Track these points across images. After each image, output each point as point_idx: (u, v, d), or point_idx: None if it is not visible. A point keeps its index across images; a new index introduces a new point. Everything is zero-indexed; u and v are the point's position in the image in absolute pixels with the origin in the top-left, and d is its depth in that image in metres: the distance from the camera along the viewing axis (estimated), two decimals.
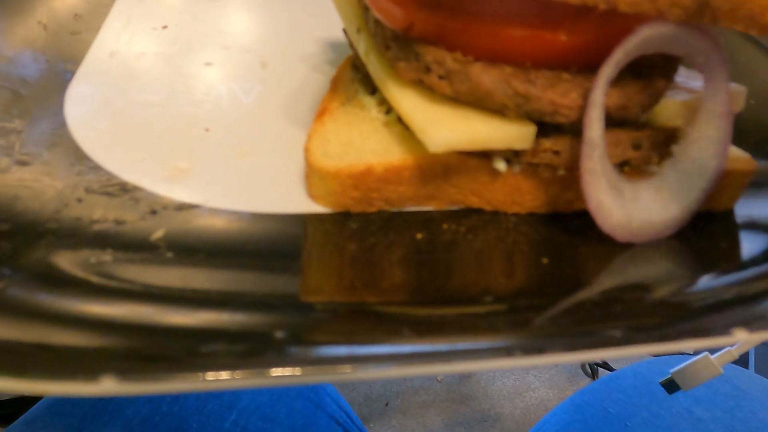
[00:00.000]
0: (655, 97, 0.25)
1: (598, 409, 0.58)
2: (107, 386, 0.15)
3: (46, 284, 0.19)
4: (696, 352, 0.45)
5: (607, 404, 0.58)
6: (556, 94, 0.23)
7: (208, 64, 0.37)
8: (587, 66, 0.25)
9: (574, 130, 0.25)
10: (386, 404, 1.17)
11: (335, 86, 0.31)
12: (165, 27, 0.40)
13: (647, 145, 0.25)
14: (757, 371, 1.19)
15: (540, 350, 0.19)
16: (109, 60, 0.35)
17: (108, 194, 0.25)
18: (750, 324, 0.19)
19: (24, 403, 0.77)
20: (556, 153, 0.25)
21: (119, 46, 0.37)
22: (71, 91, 0.32)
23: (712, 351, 0.49)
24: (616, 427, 0.56)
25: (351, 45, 0.32)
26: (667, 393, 0.52)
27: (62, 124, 0.29)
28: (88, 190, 0.25)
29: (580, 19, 0.24)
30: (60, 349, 0.16)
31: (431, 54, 0.24)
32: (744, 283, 0.23)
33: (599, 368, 1.19)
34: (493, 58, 0.24)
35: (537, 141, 0.25)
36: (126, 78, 0.34)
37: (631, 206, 0.25)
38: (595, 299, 0.22)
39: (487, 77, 0.23)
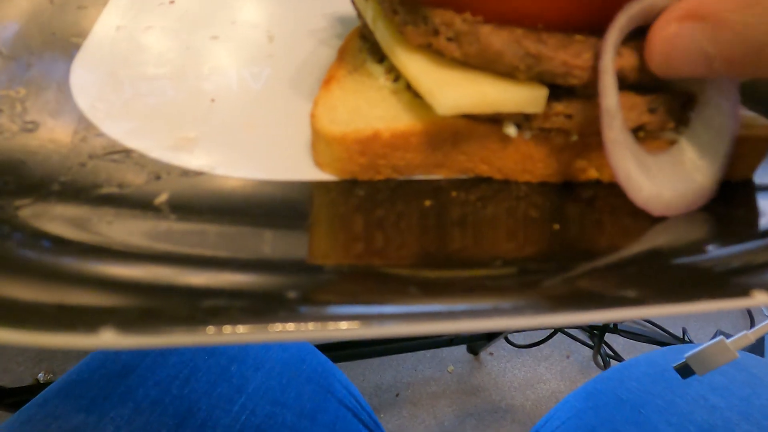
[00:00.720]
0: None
1: (611, 397, 0.57)
2: (106, 338, 0.15)
3: (47, 242, 0.18)
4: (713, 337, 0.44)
5: (620, 392, 0.58)
6: (568, 55, 0.22)
7: (214, 37, 0.36)
8: (601, 28, 0.24)
9: (587, 94, 0.24)
10: (396, 395, 1.17)
11: (342, 55, 0.30)
12: (172, 2, 0.40)
13: (663, 110, 0.25)
14: None
15: (550, 309, 0.18)
16: (115, 33, 0.35)
17: (112, 160, 0.25)
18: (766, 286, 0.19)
19: (35, 390, 0.77)
20: (569, 117, 0.24)
21: (126, 21, 0.37)
22: (77, 62, 0.32)
23: (727, 336, 0.48)
24: (630, 414, 0.55)
25: (359, 15, 0.32)
26: (681, 378, 0.51)
27: (67, 94, 0.29)
28: (91, 156, 0.25)
29: None
30: (61, 305, 0.16)
31: (439, 16, 0.24)
32: (763, 250, 0.22)
33: (611, 360, 1.18)
34: (502, 20, 0.24)
35: (549, 104, 0.24)
36: (132, 51, 0.34)
37: (658, 178, 0.24)
38: (609, 262, 0.21)
39: (497, 38, 0.23)
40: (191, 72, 0.33)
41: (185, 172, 0.25)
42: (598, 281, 0.20)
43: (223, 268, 0.19)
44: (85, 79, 0.31)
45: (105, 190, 0.22)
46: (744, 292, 0.18)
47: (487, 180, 0.27)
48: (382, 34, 0.28)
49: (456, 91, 0.23)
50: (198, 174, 0.25)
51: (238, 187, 0.25)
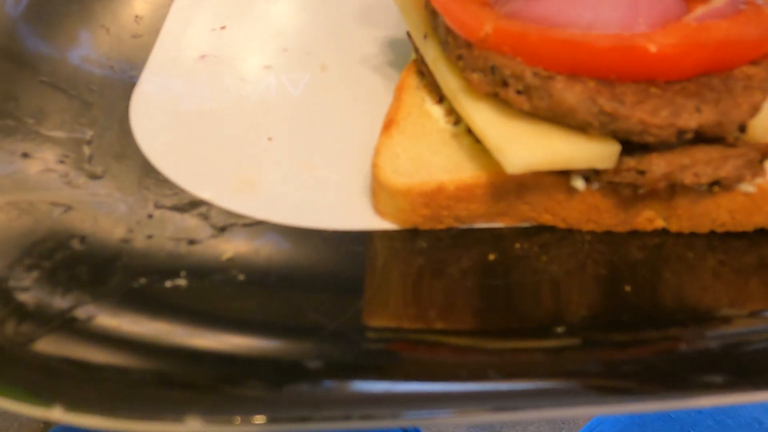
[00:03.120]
0: (752, 112, 0.23)
1: (660, 414, 0.56)
2: (193, 427, 0.15)
3: (125, 313, 0.19)
4: None
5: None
6: (645, 113, 0.22)
7: (267, 67, 0.36)
8: (677, 78, 0.23)
9: (662, 148, 0.23)
10: None
11: (400, 94, 0.30)
12: (223, 27, 0.40)
13: (741, 163, 0.24)
14: None
15: (627, 393, 0.18)
16: (170, 65, 0.35)
17: (178, 209, 0.25)
18: None
19: None
20: (641, 173, 0.23)
21: (180, 50, 0.37)
22: (135, 98, 0.32)
23: None
24: None
25: (415, 49, 0.31)
26: None
27: (129, 134, 0.29)
28: (157, 206, 0.25)
29: (670, 28, 0.23)
30: (145, 383, 0.16)
31: (509, 67, 0.23)
32: None
33: None
34: (574, 71, 0.23)
35: (621, 159, 0.23)
36: (188, 85, 0.34)
37: None
38: (687, 336, 0.21)
39: (571, 94, 0.22)
40: (247, 105, 0.33)
41: (248, 222, 0.25)
42: (678, 361, 0.19)
43: (292, 336, 0.19)
44: (145, 118, 0.31)
45: (173, 246, 0.23)
46: None
47: (550, 228, 0.26)
48: (444, 76, 0.27)
49: (525, 149, 0.23)
50: (259, 223, 0.25)
51: (300, 239, 0.25)
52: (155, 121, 0.31)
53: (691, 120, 0.22)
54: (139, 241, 0.23)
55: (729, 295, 0.25)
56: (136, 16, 0.39)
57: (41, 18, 0.35)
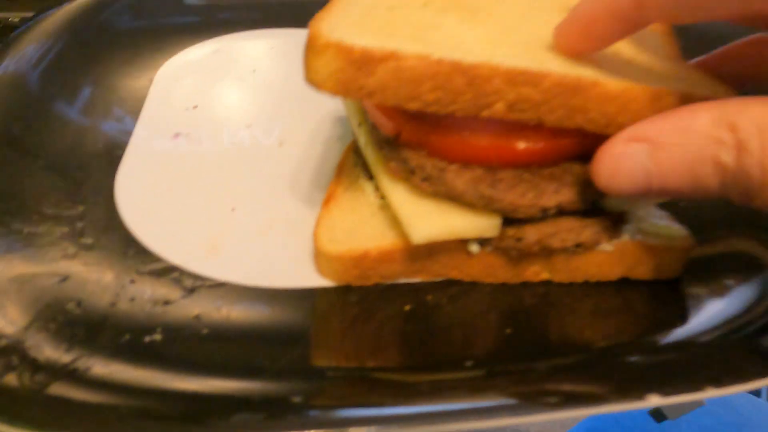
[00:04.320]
0: (602, 192, 0.30)
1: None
2: None
3: (114, 363, 0.25)
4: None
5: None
6: (515, 196, 0.28)
7: (233, 143, 0.43)
8: (545, 164, 0.30)
9: (535, 220, 0.30)
10: None
11: (340, 171, 0.36)
12: (195, 107, 0.46)
13: (597, 230, 0.31)
14: None
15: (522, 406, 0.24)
16: (149, 144, 0.41)
17: (155, 274, 0.31)
18: (663, 388, 0.24)
19: None
20: (519, 240, 0.30)
21: (157, 129, 0.43)
22: (120, 175, 0.38)
23: None
24: None
25: (354, 132, 0.38)
26: (656, 422, 0.56)
27: (114, 208, 0.35)
28: (138, 272, 0.31)
29: (535, 130, 0.30)
30: (131, 417, 0.22)
31: (415, 160, 0.30)
32: (664, 350, 0.28)
33: None
34: (466, 161, 0.30)
35: (503, 229, 0.30)
36: (164, 160, 0.40)
37: None
38: (570, 363, 0.27)
39: (460, 182, 0.29)
40: (215, 178, 0.39)
41: (212, 284, 0.31)
42: (561, 381, 0.26)
43: (247, 378, 0.25)
44: (127, 192, 0.37)
45: (152, 307, 0.29)
46: (639, 395, 0.24)
47: (458, 282, 0.33)
48: (371, 159, 0.34)
49: (427, 225, 0.29)
50: (222, 284, 0.31)
51: (256, 297, 0.31)
52: (136, 195, 0.37)
53: (551, 200, 0.29)
54: (124, 304, 0.28)
55: (603, 330, 0.32)
56: (119, 98, 0.46)
57: (35, 110, 0.41)
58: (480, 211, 0.30)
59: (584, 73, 0.27)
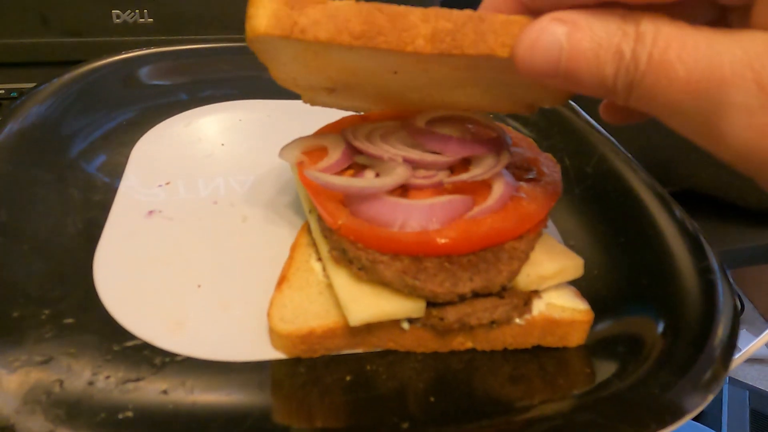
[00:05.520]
0: (510, 277, 0.35)
1: None
2: None
3: None
4: None
5: None
6: (435, 285, 0.34)
7: (200, 219, 0.48)
8: (462, 254, 0.36)
9: (455, 302, 0.35)
10: None
11: (293, 253, 0.42)
12: (168, 183, 0.51)
13: (508, 308, 0.36)
14: (729, 430, 1.26)
15: None
16: (124, 223, 0.46)
17: (128, 351, 0.36)
18: None
19: None
20: (441, 319, 0.35)
21: (132, 207, 0.48)
22: (98, 255, 0.43)
23: None
24: None
25: (306, 215, 0.43)
26: None
27: (92, 288, 0.40)
28: (114, 348, 0.36)
29: (453, 225, 0.35)
30: None
31: (352, 252, 0.35)
32: (570, 407, 0.34)
33: None
34: (395, 253, 0.35)
35: (428, 310, 0.35)
36: (140, 238, 0.45)
37: None
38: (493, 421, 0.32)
39: (388, 272, 0.34)
40: (184, 255, 0.44)
41: (177, 359, 0.35)
42: None
43: None
44: (104, 272, 0.41)
45: (125, 385, 0.33)
46: None
47: (394, 351, 0.38)
48: (319, 244, 0.39)
49: (362, 308, 0.34)
50: (186, 359, 0.36)
51: (215, 370, 0.35)
52: (113, 273, 0.41)
53: (465, 287, 0.34)
54: (100, 383, 0.33)
55: (520, 391, 0.37)
56: (97, 177, 0.51)
57: (19, 195, 0.46)
58: (407, 296, 0.35)
59: None
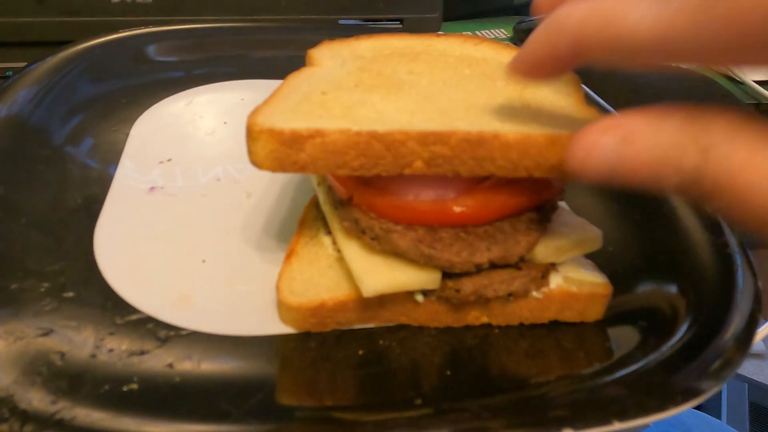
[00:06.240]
0: (528, 248, 0.34)
1: None
2: None
3: (96, 412, 0.28)
4: None
5: None
6: (451, 254, 0.33)
7: (203, 195, 0.46)
8: (479, 224, 0.34)
9: (470, 273, 0.34)
10: None
11: (302, 225, 0.40)
12: (169, 160, 0.50)
13: (526, 281, 0.35)
14: (729, 422, 1.26)
15: None
16: (125, 199, 0.45)
17: (132, 324, 0.34)
18: (575, 423, 0.28)
19: None
20: (457, 291, 0.34)
21: (134, 183, 0.46)
22: (98, 230, 0.41)
23: None
24: None
25: (314, 190, 0.42)
26: None
27: (93, 262, 0.38)
28: (116, 323, 0.34)
29: (468, 194, 0.34)
30: None
31: (364, 221, 0.34)
32: (584, 386, 0.32)
33: None
34: (410, 222, 0.34)
35: (443, 281, 0.34)
36: (141, 214, 0.43)
37: None
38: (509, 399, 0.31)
39: (403, 241, 0.33)
40: (187, 230, 0.42)
41: (184, 333, 0.34)
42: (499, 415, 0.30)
43: (221, 420, 0.29)
44: (106, 247, 0.40)
45: (128, 358, 0.32)
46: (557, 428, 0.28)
47: (406, 326, 0.37)
48: (329, 216, 0.38)
49: (375, 279, 0.33)
50: (192, 333, 0.34)
51: (221, 345, 0.34)
52: (114, 248, 0.40)
53: (482, 257, 0.33)
54: (103, 355, 0.32)
55: (535, 368, 0.35)
56: (97, 154, 0.49)
57: (16, 168, 0.44)
58: (422, 266, 0.34)
59: (487, 126, 0.31)
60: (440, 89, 0.37)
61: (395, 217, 0.34)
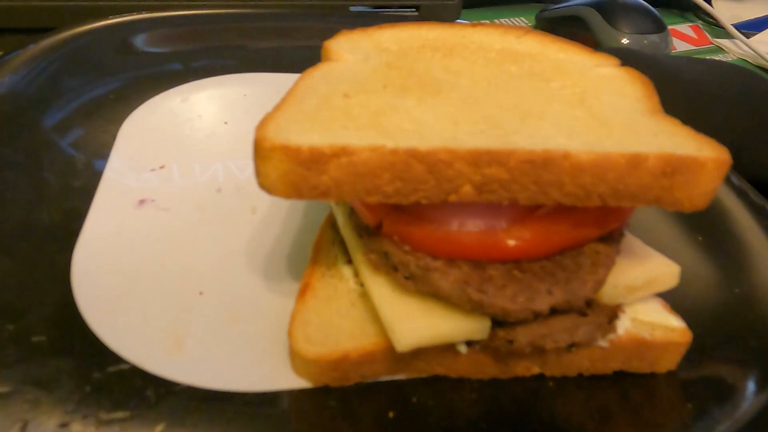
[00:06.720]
0: (596, 289, 0.28)
1: None
2: None
3: None
4: None
5: None
6: (505, 301, 0.26)
7: (201, 209, 0.40)
8: (535, 258, 0.28)
9: (526, 321, 0.28)
10: None
11: (316, 252, 0.34)
12: (162, 167, 0.44)
13: (592, 328, 0.29)
14: None
15: None
16: (112, 214, 0.38)
17: (113, 380, 0.28)
18: None
19: None
20: (510, 342, 0.28)
21: (121, 195, 0.40)
22: (77, 254, 0.35)
23: None
24: None
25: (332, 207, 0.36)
26: None
27: (70, 296, 0.32)
28: (94, 378, 0.28)
29: (525, 223, 0.28)
30: None
31: (397, 255, 0.28)
32: None
33: None
34: (452, 256, 0.28)
35: (493, 330, 0.28)
36: (128, 233, 0.37)
37: None
38: None
39: (445, 283, 0.27)
40: (182, 254, 0.36)
41: (176, 390, 0.28)
42: None
43: None
44: (85, 276, 0.34)
45: (114, 424, 0.26)
46: None
47: (444, 378, 0.30)
48: (351, 245, 0.32)
49: (412, 330, 0.27)
50: (188, 389, 0.28)
51: (222, 402, 0.28)
52: (95, 278, 0.34)
53: (543, 303, 0.27)
54: (77, 425, 0.26)
55: (599, 426, 0.30)
56: (79, 159, 0.43)
57: None
58: (469, 313, 0.27)
59: (551, 143, 0.25)
60: (485, 92, 0.30)
61: (434, 249, 0.28)
